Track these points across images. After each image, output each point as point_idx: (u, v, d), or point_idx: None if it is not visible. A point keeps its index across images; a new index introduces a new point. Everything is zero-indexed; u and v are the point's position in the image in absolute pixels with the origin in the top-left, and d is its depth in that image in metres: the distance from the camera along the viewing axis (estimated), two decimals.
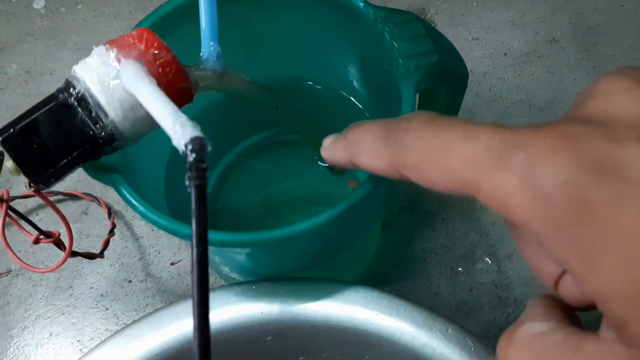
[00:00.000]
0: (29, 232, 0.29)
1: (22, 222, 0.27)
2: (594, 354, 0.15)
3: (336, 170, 0.35)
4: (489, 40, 0.47)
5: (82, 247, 0.40)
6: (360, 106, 0.34)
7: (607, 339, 0.15)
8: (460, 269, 0.38)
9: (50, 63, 0.49)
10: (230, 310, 0.29)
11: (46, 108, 0.21)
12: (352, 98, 0.35)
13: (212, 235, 0.23)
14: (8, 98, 0.47)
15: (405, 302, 0.29)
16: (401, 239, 0.39)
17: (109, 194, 0.42)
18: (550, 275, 0.19)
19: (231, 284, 0.30)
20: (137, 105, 0.21)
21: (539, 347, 0.17)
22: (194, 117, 0.38)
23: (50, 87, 0.48)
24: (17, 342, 0.37)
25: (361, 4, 0.28)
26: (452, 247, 0.38)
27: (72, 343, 0.37)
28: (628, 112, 0.15)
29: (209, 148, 0.18)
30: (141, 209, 0.24)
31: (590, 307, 0.18)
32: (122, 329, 0.29)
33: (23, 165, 0.21)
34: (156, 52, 0.23)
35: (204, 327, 0.18)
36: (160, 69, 0.22)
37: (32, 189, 0.22)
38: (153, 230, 0.41)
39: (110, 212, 0.41)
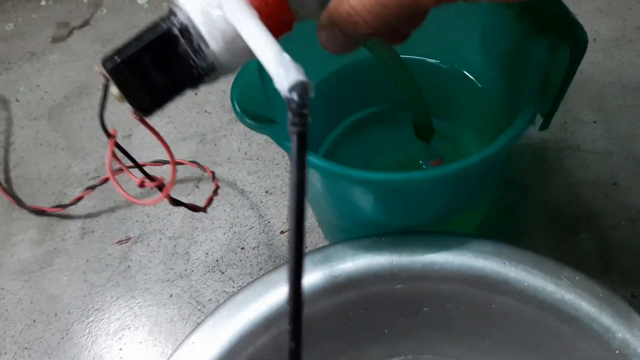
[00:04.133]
0: (134, 176, 0.30)
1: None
2: None
3: (423, 136, 0.36)
4: None
5: (196, 213, 0.43)
6: (471, 77, 0.36)
7: None
8: (564, 238, 0.39)
9: None
10: (363, 259, 0.31)
11: (150, 38, 0.21)
12: (464, 71, 0.36)
13: (376, 175, 0.25)
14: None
15: (531, 252, 0.30)
16: (504, 210, 0.41)
17: (218, 169, 0.45)
18: None
19: (361, 237, 0.32)
20: (238, 37, 0.21)
21: None
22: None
23: None
24: (139, 302, 0.40)
25: None
26: (555, 218, 0.40)
27: (190, 303, 0.40)
28: None
29: (312, 93, 0.17)
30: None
31: None
32: (261, 276, 0.31)
33: (127, 93, 0.21)
34: None
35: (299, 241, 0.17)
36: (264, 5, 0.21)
37: (136, 116, 0.23)
38: (262, 201, 0.43)
39: (214, 175, 0.43)
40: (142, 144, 0.47)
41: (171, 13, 0.21)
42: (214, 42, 0.21)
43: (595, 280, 0.29)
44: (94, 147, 0.47)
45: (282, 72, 0.17)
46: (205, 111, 0.49)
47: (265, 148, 0.45)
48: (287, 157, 0.44)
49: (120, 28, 0.54)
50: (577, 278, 0.29)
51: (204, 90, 0.50)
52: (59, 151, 0.47)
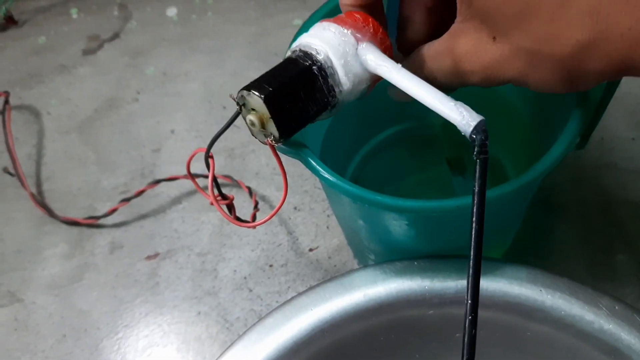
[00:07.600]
0: (207, 194, 0.31)
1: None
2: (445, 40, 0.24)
3: (457, 171, 0.36)
4: None
5: (224, 229, 0.43)
6: (506, 95, 0.35)
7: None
8: (599, 260, 0.38)
9: (185, 65, 0.52)
10: (394, 283, 0.30)
11: (297, 71, 0.23)
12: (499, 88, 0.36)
13: (415, 203, 0.25)
14: (147, 97, 0.51)
15: (569, 280, 0.29)
16: (537, 230, 0.40)
17: (246, 184, 0.45)
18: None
19: (392, 260, 0.31)
20: (363, 80, 0.24)
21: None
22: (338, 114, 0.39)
23: (185, 87, 0.51)
24: (167, 319, 0.40)
25: None
26: (590, 240, 0.39)
27: (219, 321, 0.39)
28: None
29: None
30: (332, 179, 0.26)
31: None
32: (290, 299, 0.31)
33: (277, 119, 0.23)
34: (382, 37, 0.24)
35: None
36: (385, 53, 0.24)
37: (272, 144, 0.24)
38: (290, 218, 0.43)
39: (251, 191, 0.43)
40: (171, 158, 0.47)
41: (307, 54, 0.23)
42: (347, 83, 0.23)
43: (634, 310, 0.28)
44: (122, 161, 0.47)
45: (466, 114, 0.21)
46: (234, 125, 0.48)
47: (294, 163, 0.44)
48: None
49: (150, 41, 0.54)
50: (616, 307, 0.28)
51: (232, 104, 0.50)
52: (89, 165, 0.48)
